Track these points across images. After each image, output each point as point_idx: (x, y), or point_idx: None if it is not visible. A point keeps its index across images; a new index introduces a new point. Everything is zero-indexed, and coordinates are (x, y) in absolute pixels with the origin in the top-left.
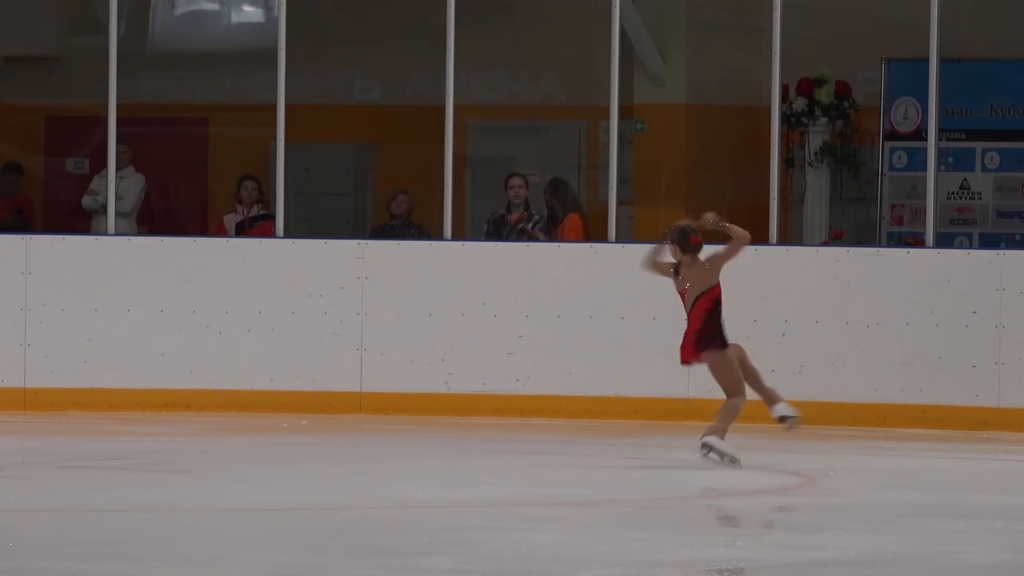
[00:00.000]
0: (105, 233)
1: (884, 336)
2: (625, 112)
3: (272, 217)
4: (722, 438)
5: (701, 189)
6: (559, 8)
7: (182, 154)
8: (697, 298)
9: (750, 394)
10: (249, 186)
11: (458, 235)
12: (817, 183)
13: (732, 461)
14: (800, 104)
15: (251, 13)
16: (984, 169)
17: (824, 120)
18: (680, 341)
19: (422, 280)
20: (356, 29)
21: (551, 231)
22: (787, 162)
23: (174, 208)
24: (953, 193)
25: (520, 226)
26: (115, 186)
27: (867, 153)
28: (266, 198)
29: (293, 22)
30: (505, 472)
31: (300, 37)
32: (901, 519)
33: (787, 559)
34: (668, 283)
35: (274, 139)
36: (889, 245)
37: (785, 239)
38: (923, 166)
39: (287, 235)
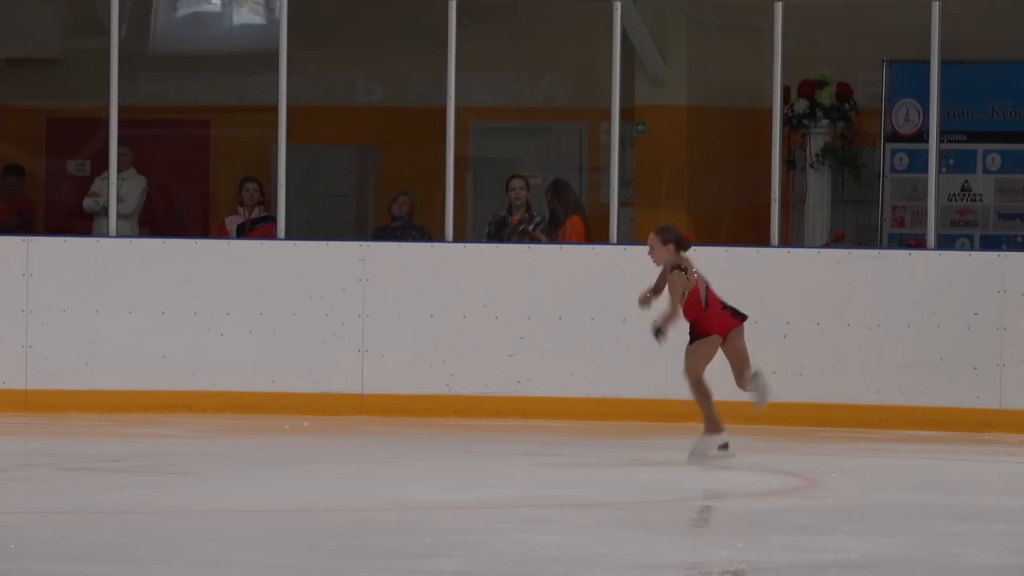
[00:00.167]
0: (106, 235)
1: (885, 338)
2: (626, 114)
3: (273, 219)
4: (719, 431)
5: (702, 191)
6: (560, 10)
7: (183, 156)
8: (707, 285)
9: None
10: (251, 188)
11: (459, 237)
12: (818, 185)
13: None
14: (801, 106)
15: (252, 15)
16: (985, 171)
17: (825, 122)
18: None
19: (423, 282)
20: (357, 31)
21: (552, 233)
22: (788, 164)
23: (175, 210)
24: (954, 195)
25: (521, 228)
26: (116, 188)
27: (868, 155)
28: (267, 200)
29: (294, 24)
30: (507, 474)
31: (302, 39)
32: (902, 521)
33: (788, 561)
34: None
35: (275, 141)
36: (890, 247)
37: (786, 241)
38: (924, 168)
39: (288, 237)
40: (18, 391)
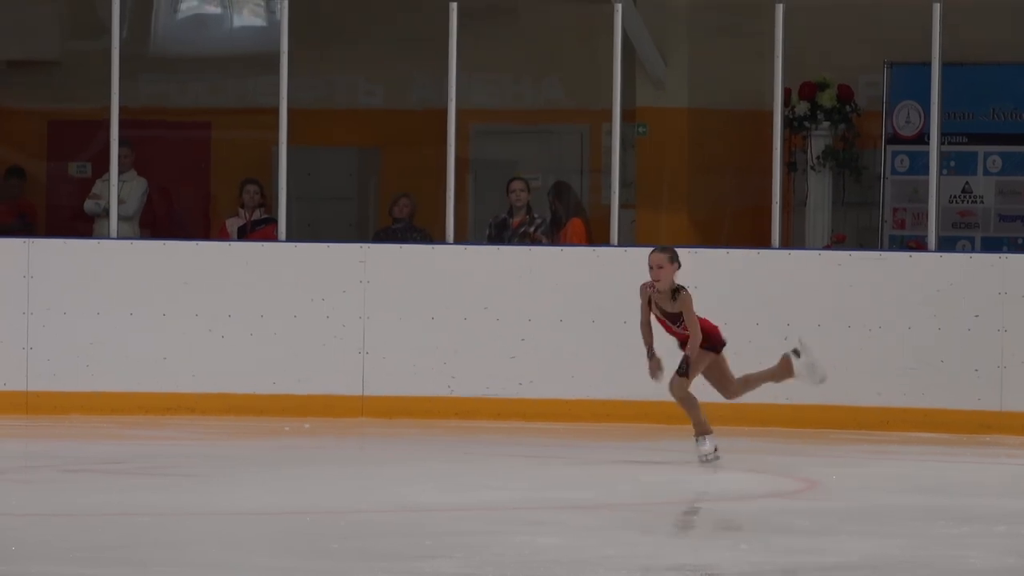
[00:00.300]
0: (107, 237)
1: (886, 340)
2: (627, 116)
3: (274, 221)
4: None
5: (703, 193)
6: (561, 12)
7: (184, 158)
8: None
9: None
10: (251, 190)
11: (460, 239)
12: (819, 187)
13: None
14: (802, 108)
15: (253, 17)
16: (986, 173)
17: (826, 124)
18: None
19: (424, 284)
20: (358, 33)
21: (554, 234)
22: (789, 166)
23: (176, 212)
24: (955, 197)
25: (522, 230)
26: (117, 190)
27: (869, 157)
28: (268, 202)
29: (295, 26)
30: (508, 476)
31: (303, 41)
32: (903, 523)
33: (789, 563)
34: None
35: (276, 143)
36: (891, 249)
37: (787, 243)
38: (925, 170)
39: (289, 239)
40: (19, 393)
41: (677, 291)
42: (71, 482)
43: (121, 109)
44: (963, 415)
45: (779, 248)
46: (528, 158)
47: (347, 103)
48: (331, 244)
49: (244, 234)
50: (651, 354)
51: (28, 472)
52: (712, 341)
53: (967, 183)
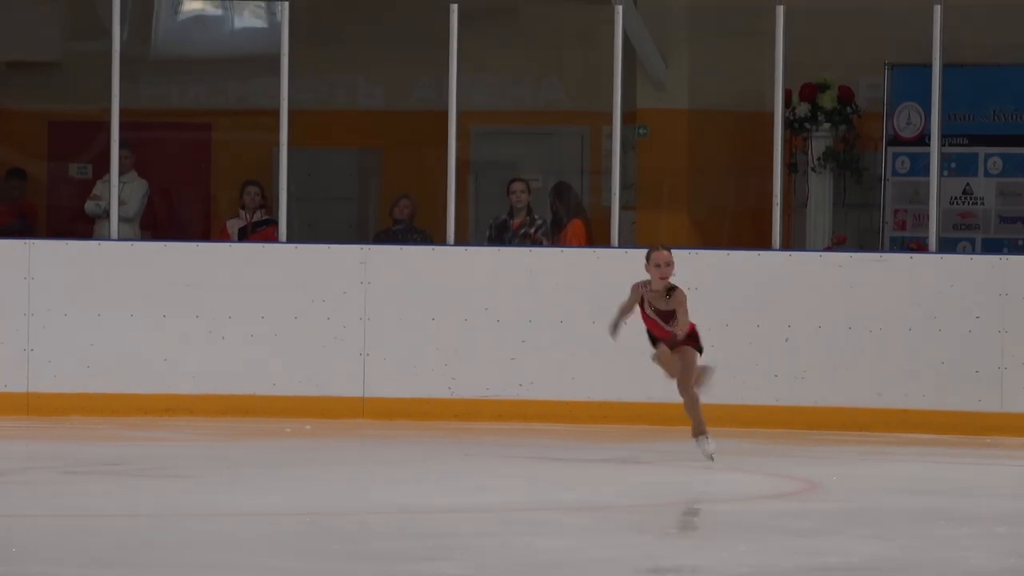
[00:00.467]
0: (108, 238)
1: (887, 341)
2: (628, 117)
3: (275, 222)
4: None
5: (704, 194)
6: (562, 13)
7: (185, 159)
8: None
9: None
10: (252, 191)
11: (461, 240)
12: (820, 188)
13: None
14: (803, 109)
15: (254, 18)
16: (987, 174)
17: (827, 125)
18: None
19: (425, 285)
20: (359, 34)
21: (554, 236)
22: (790, 167)
23: (177, 213)
24: (956, 198)
25: (523, 231)
26: (118, 191)
27: (870, 158)
28: (269, 203)
29: (296, 27)
30: (508, 477)
31: (303, 42)
32: (904, 524)
33: (790, 564)
34: None
35: (277, 144)
36: (892, 250)
37: (788, 244)
38: (926, 171)
39: (290, 240)
40: (19, 394)
41: (672, 289)
42: (72, 483)
43: (122, 110)
44: (964, 416)
45: (780, 249)
46: (529, 159)
47: (348, 104)
48: (332, 245)
49: (245, 235)
50: (616, 328)
51: (28, 473)
52: (696, 340)
53: (968, 184)
